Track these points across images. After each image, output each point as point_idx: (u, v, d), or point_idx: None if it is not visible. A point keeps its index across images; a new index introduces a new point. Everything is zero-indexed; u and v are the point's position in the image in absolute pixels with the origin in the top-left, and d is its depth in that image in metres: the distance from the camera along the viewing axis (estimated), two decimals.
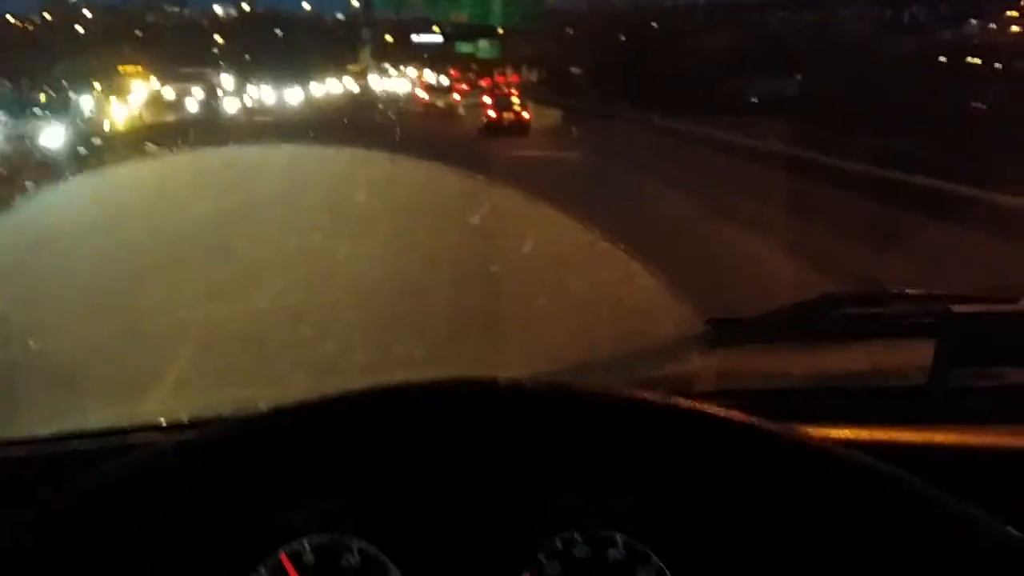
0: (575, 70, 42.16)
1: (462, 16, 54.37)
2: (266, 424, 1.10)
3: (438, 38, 58.33)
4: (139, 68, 36.15)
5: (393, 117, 28.01)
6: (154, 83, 33.19)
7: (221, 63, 43.73)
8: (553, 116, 28.10)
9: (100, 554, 1.03)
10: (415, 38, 56.02)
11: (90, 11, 50.52)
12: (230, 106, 30.53)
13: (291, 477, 1.12)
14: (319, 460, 1.12)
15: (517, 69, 56.30)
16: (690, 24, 39.62)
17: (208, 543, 1.11)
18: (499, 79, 54.00)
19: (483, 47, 59.66)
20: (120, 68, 35.00)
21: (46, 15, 48.35)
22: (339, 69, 52.13)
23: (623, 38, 40.96)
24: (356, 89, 48.29)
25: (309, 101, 37.04)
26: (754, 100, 28.33)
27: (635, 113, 28.15)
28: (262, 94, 36.94)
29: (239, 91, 35.44)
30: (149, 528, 1.06)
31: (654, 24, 42.02)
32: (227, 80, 38.25)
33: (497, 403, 1.11)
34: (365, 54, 56.12)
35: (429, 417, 1.10)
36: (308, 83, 42.00)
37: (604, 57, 37.72)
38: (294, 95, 37.49)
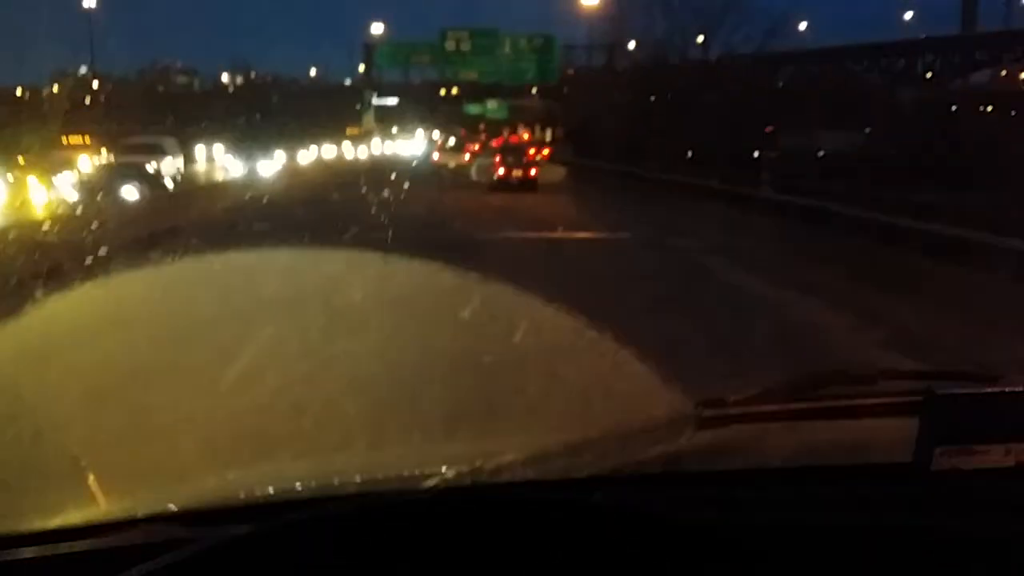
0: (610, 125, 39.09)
1: (472, 75, 52.36)
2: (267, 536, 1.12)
3: (392, 100, 56.87)
4: (85, 139, 33.11)
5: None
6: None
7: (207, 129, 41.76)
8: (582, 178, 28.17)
9: None
10: (375, 100, 54.51)
11: (98, 80, 49.52)
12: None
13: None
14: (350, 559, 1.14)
15: (529, 128, 56.45)
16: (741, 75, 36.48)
17: None
18: (512, 139, 54.15)
19: (492, 108, 58.82)
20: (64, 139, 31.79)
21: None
22: (339, 133, 51.17)
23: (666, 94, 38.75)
24: (356, 155, 46.70)
25: (290, 169, 32.99)
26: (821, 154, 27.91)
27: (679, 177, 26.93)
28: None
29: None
30: None
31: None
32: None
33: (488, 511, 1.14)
34: (368, 118, 54.64)
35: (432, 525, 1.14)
36: (300, 148, 40.15)
37: (644, 115, 36.23)
38: (270, 164, 32.41)
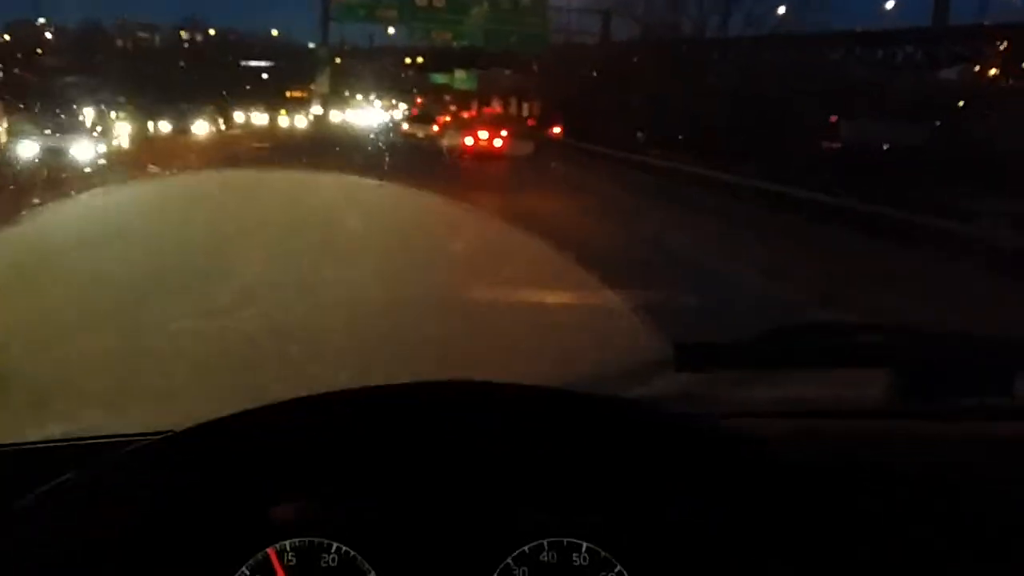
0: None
1: (446, 35, 44.92)
2: (246, 423, 1.15)
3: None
4: None
5: None
6: None
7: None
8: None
9: (78, 556, 1.09)
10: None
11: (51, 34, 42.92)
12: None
13: (272, 476, 1.17)
14: (299, 460, 1.17)
15: (504, 101, 51.48)
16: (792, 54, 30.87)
17: (188, 545, 1.17)
18: (486, 111, 49.39)
19: (460, 78, 53.30)
20: None
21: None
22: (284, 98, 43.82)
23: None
24: (293, 123, 38.87)
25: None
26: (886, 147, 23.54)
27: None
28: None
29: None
30: (127, 530, 1.11)
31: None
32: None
33: (479, 409, 1.17)
34: (322, 81, 46.71)
35: (408, 420, 1.16)
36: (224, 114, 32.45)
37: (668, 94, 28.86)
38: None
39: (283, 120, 39.57)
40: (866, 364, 1.66)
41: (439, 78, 53.65)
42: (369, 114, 46.48)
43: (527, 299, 1.68)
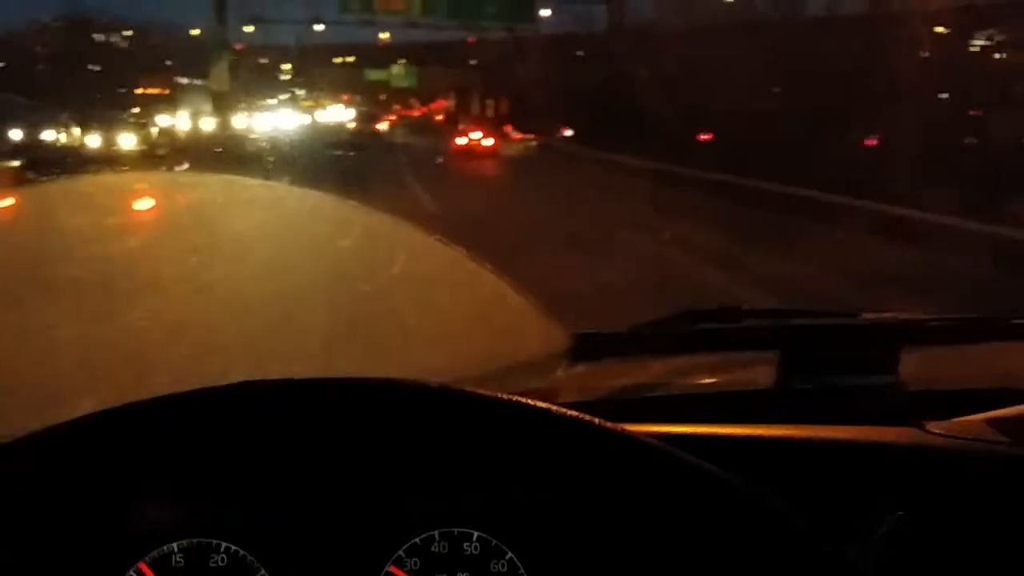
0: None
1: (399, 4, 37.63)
2: (105, 422, 1.12)
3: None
4: None
5: None
6: None
7: None
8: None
9: None
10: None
11: None
12: None
13: (137, 476, 1.15)
14: (165, 460, 1.15)
15: (460, 98, 47.19)
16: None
17: (68, 551, 1.13)
18: (421, 110, 47.93)
19: (397, 73, 48.61)
20: None
21: None
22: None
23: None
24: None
25: None
26: None
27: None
28: None
29: None
30: None
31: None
32: None
33: (355, 404, 1.17)
34: (219, 74, 38.49)
35: (289, 415, 1.15)
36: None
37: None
38: None
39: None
40: (757, 347, 1.72)
41: (374, 75, 50.02)
42: (286, 118, 40.84)
43: (421, 291, 1.68)
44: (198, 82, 40.13)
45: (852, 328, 1.79)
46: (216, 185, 2.06)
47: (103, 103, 32.49)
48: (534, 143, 32.85)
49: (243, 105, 40.98)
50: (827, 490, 1.32)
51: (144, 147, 25.07)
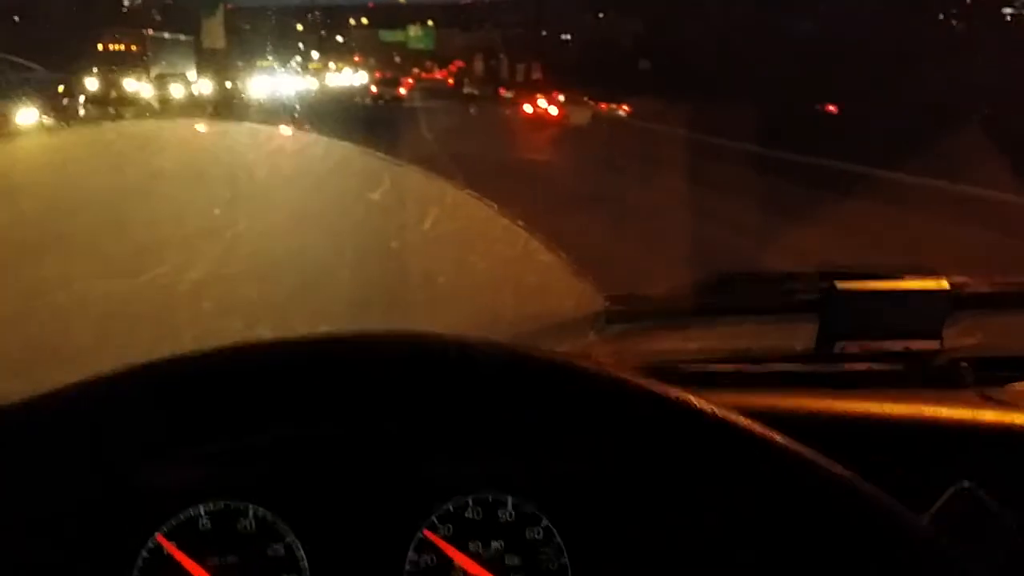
0: None
1: None
2: (128, 380, 1.07)
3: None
4: None
5: None
6: None
7: None
8: None
9: None
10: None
11: None
12: None
13: (164, 436, 1.10)
14: (192, 420, 1.11)
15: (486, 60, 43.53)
16: None
17: (95, 515, 1.10)
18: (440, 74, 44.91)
19: (414, 35, 45.87)
20: None
21: None
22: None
23: None
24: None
25: None
26: None
27: None
28: None
29: None
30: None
31: None
32: None
33: (395, 361, 1.12)
34: (214, 29, 34.95)
35: (323, 372, 1.11)
36: None
37: None
38: None
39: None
40: (796, 310, 1.67)
41: (390, 36, 47.08)
42: (288, 82, 36.24)
43: (451, 249, 1.64)
44: (181, 37, 35.45)
45: (896, 291, 1.74)
46: (240, 134, 2.01)
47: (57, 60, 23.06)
48: (620, 112, 28.04)
49: (240, 66, 35.98)
50: (882, 460, 1.27)
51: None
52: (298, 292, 1.59)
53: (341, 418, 1.14)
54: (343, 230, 1.69)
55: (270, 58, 41.81)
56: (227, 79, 32.33)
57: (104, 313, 1.51)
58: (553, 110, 28.15)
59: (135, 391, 1.07)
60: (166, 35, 35.89)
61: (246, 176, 1.79)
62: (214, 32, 33.55)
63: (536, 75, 37.45)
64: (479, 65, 44.18)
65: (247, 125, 1.95)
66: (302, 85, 37.77)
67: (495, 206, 1.65)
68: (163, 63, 32.73)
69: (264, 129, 1.95)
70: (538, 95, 29.64)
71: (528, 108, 28.98)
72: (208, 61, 34.16)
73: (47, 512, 1.07)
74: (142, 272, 1.54)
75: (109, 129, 2.15)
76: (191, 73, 33.00)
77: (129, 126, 2.17)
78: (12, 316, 1.47)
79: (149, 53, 33.71)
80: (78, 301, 1.48)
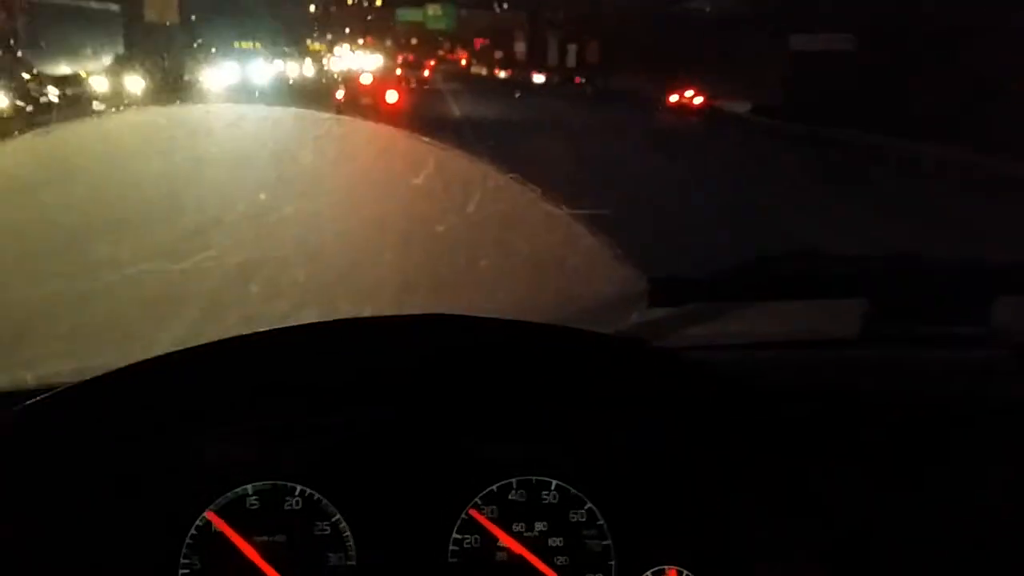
0: None
1: None
2: (180, 363, 1.10)
3: None
4: None
5: None
6: None
7: None
8: None
9: (26, 507, 1.04)
10: None
11: None
12: None
13: (214, 416, 1.13)
14: (242, 400, 1.13)
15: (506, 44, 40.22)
16: None
17: (148, 491, 1.12)
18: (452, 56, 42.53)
19: (433, 14, 41.84)
20: None
21: None
22: None
23: None
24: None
25: None
26: None
27: None
28: None
29: None
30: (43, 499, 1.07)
31: None
32: None
33: (442, 341, 1.14)
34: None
35: (370, 352, 1.13)
36: None
37: None
38: None
39: None
40: (841, 294, 1.65)
41: (408, 15, 43.10)
42: (262, 69, 27.64)
43: (495, 232, 1.64)
44: (92, 4, 24.44)
45: (943, 274, 1.71)
46: (286, 119, 2.03)
47: None
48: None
49: (202, 48, 27.63)
50: (937, 448, 1.26)
51: None
52: (344, 275, 1.61)
53: (390, 400, 1.16)
54: (388, 214, 1.70)
55: (252, 39, 33.35)
56: (179, 69, 24.49)
57: (153, 295, 1.53)
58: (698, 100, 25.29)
59: (194, 373, 1.10)
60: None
61: (292, 161, 1.80)
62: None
63: (593, 57, 33.79)
64: (519, 46, 40.78)
65: (292, 110, 1.96)
66: (294, 72, 30.45)
67: (538, 190, 1.65)
68: (56, 45, 21.88)
69: (309, 114, 1.96)
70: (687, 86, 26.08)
71: (673, 98, 26.74)
72: (147, 42, 24.12)
73: (105, 487, 1.10)
74: (190, 255, 1.56)
75: (159, 115, 2.17)
76: (120, 60, 23.05)
77: (178, 112, 2.19)
78: (63, 299, 1.50)
79: (23, 28, 21.91)
80: (128, 284, 1.51)
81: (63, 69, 21.51)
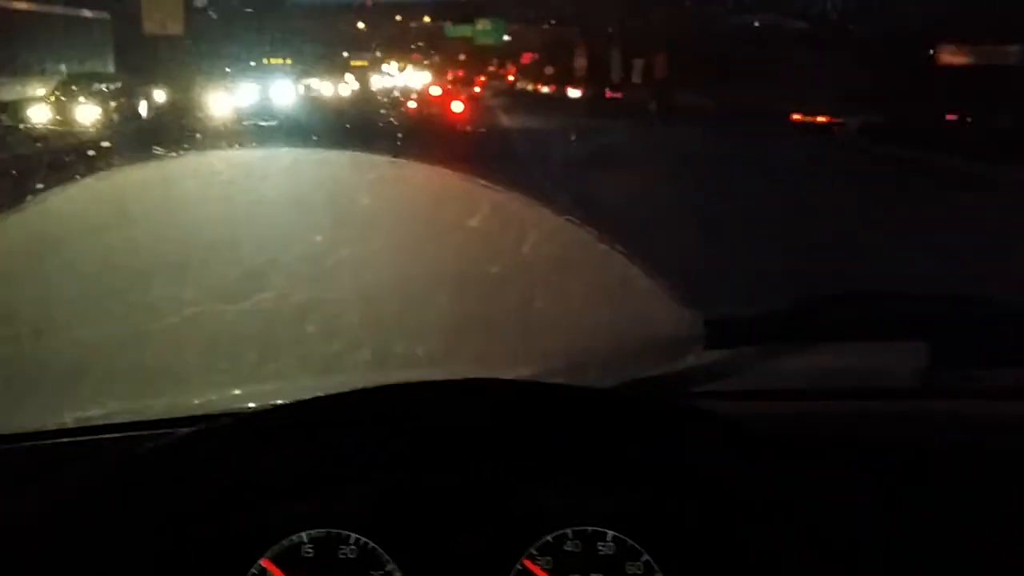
0: None
1: None
2: (265, 421, 1.13)
3: None
4: None
5: None
6: None
7: None
8: None
9: (90, 556, 1.06)
10: None
11: None
12: None
13: (288, 473, 1.15)
14: (318, 456, 1.15)
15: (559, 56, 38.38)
16: None
17: (207, 540, 1.14)
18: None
19: (482, 29, 39.49)
20: None
21: None
22: None
23: None
24: None
25: None
26: None
27: None
28: None
29: None
30: (147, 527, 1.09)
31: None
32: None
33: (494, 403, 1.14)
34: None
35: (427, 415, 1.14)
36: None
37: None
38: None
39: None
40: (901, 336, 1.62)
41: (456, 30, 40.64)
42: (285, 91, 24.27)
43: (550, 273, 1.64)
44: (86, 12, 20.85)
45: (1009, 317, 1.67)
46: (340, 162, 2.05)
47: None
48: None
49: (217, 67, 23.47)
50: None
51: None
52: (398, 316, 1.61)
53: (443, 451, 1.16)
54: (442, 256, 1.70)
55: (281, 55, 28.91)
56: (181, 90, 20.17)
57: (211, 337, 1.55)
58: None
59: (259, 431, 1.13)
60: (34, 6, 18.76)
61: (347, 203, 1.82)
62: (164, 6, 17.46)
63: (660, 72, 31.39)
64: (581, 61, 37.90)
65: (348, 153, 1.98)
66: (328, 91, 26.80)
67: (594, 232, 1.65)
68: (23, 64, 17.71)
69: (365, 157, 1.98)
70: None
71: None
72: (142, 58, 20.22)
73: (165, 536, 1.12)
74: (248, 296, 1.58)
75: (218, 159, 2.21)
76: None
77: (237, 155, 2.23)
78: (122, 341, 1.52)
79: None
80: (186, 325, 1.53)
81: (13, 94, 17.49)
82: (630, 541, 1.18)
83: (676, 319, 1.56)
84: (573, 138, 19.95)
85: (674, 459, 1.16)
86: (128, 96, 19.04)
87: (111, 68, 21.79)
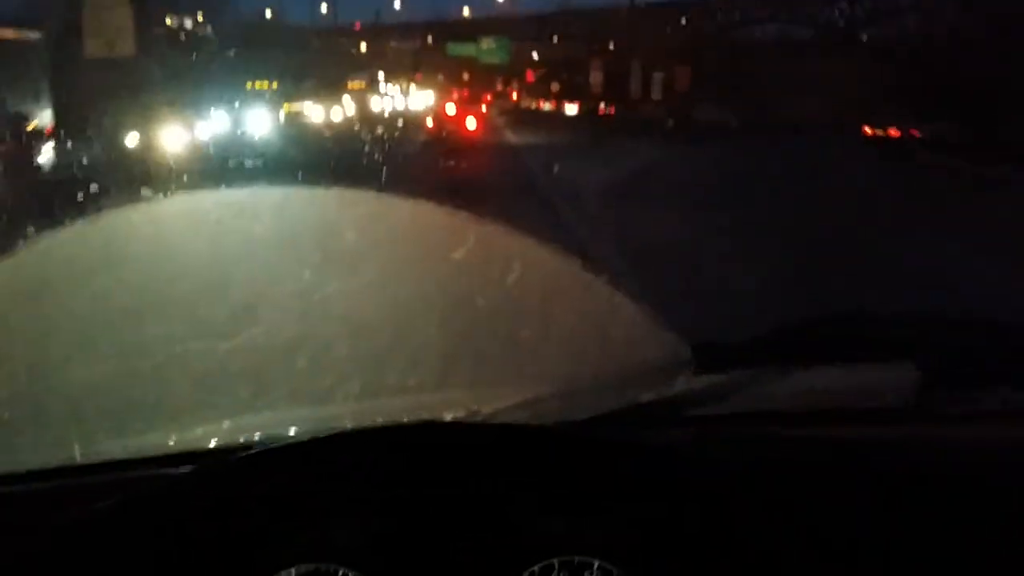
0: None
1: None
2: (258, 462, 1.14)
3: None
4: None
5: None
6: None
7: None
8: None
9: None
10: None
11: None
12: None
13: (283, 510, 1.16)
14: (312, 493, 1.16)
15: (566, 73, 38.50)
16: None
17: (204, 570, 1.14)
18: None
19: (486, 48, 39.22)
20: None
21: None
22: None
23: None
24: None
25: None
26: None
27: None
28: None
29: None
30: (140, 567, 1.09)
31: None
32: None
33: (480, 444, 1.16)
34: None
35: (417, 455, 1.15)
36: None
37: None
38: None
39: None
40: (892, 357, 1.62)
41: (459, 49, 40.21)
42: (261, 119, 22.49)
43: (536, 303, 1.65)
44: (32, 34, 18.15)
45: (1002, 339, 1.66)
46: (327, 199, 2.06)
47: None
48: None
49: (185, 94, 20.12)
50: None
51: None
52: (387, 349, 1.62)
53: (431, 488, 1.17)
54: (429, 289, 1.72)
55: (268, 79, 26.16)
56: (127, 127, 16.79)
57: (202, 373, 1.56)
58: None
59: (260, 471, 1.14)
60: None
61: (335, 239, 1.83)
62: (113, 23, 15.27)
63: (682, 85, 30.81)
64: (597, 76, 36.73)
65: (335, 190, 2.00)
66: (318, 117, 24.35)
67: (579, 261, 1.66)
68: None
69: (350, 194, 2.00)
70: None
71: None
72: (85, 89, 17.08)
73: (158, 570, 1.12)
74: (238, 333, 1.59)
75: (207, 199, 2.23)
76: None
77: (226, 195, 2.25)
78: (114, 377, 1.53)
79: None
80: (177, 362, 1.54)
81: None
82: (616, 570, 1.18)
83: (664, 345, 1.56)
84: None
85: (655, 491, 1.17)
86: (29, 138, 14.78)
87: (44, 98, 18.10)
